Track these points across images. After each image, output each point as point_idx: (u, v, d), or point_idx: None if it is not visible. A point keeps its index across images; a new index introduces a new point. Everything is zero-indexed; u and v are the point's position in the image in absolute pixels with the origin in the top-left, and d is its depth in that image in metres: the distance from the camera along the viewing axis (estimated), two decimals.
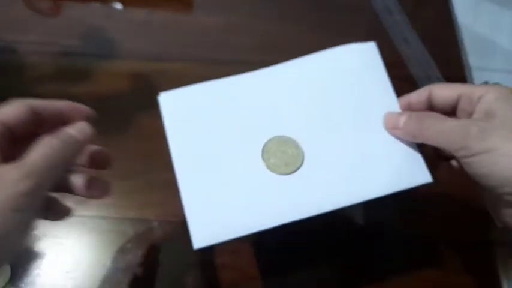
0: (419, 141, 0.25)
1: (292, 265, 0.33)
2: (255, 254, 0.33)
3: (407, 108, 0.26)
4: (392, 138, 0.26)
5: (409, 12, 0.50)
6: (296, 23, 0.48)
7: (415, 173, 0.25)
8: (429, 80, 0.44)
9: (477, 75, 0.47)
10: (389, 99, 0.27)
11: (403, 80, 0.44)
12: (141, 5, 0.47)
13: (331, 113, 0.27)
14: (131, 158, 0.37)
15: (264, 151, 0.25)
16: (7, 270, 0.31)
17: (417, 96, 0.26)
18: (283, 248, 0.34)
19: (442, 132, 0.23)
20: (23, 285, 0.31)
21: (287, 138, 0.26)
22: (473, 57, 0.49)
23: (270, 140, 0.26)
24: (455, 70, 0.46)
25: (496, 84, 0.25)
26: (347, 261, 0.34)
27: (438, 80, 0.44)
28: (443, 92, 0.25)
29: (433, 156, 0.27)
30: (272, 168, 0.25)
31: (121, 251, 0.33)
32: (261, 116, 0.26)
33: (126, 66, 0.42)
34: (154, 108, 0.40)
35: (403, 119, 0.25)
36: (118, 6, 0.47)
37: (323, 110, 0.27)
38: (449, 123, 0.23)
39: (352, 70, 0.28)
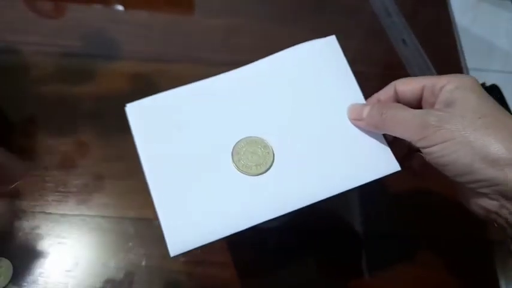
0: (382, 131, 0.25)
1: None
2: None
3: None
4: (358, 131, 0.26)
5: (407, 13, 0.50)
6: (296, 24, 0.48)
7: (383, 163, 0.25)
8: None
9: (475, 76, 0.47)
10: (354, 92, 0.27)
11: None
12: (142, 7, 0.47)
13: (297, 110, 0.27)
14: (131, 158, 0.37)
15: (233, 153, 0.25)
16: (9, 269, 0.32)
17: (384, 93, 0.26)
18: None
19: (402, 122, 0.23)
20: (25, 284, 0.31)
21: (256, 138, 0.26)
22: (471, 59, 0.49)
23: (239, 142, 0.26)
24: (453, 71, 0.46)
25: (463, 74, 0.25)
26: (340, 260, 0.34)
27: None
28: (408, 85, 0.25)
29: (406, 147, 0.27)
30: (243, 169, 0.25)
31: (122, 250, 0.33)
32: (229, 117, 0.27)
33: (127, 67, 0.43)
34: None
35: (366, 110, 0.25)
36: (119, 7, 0.48)
37: (290, 107, 0.27)
38: (407, 113, 0.23)
39: (315, 66, 0.28)
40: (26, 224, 0.34)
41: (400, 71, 0.45)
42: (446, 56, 0.47)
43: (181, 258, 0.33)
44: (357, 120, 0.26)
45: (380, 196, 0.38)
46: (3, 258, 0.32)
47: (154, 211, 0.35)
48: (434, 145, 0.22)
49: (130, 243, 0.33)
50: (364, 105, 0.26)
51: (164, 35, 0.45)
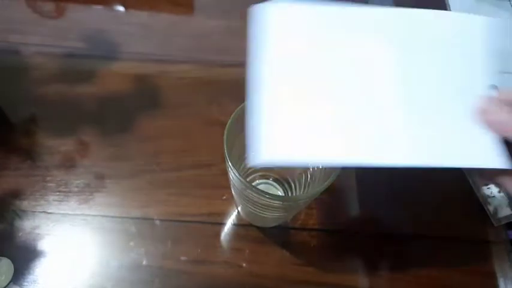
0: (503, 135, 0.22)
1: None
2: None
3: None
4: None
5: None
6: None
7: (495, 155, 0.23)
8: None
9: None
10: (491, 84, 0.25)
11: None
12: (142, 8, 0.48)
13: (436, 74, 0.25)
14: (133, 158, 0.38)
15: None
16: (10, 269, 0.32)
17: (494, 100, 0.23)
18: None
19: None
20: (25, 283, 0.32)
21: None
22: None
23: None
24: None
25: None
26: (340, 260, 0.35)
27: None
28: None
29: None
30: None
31: (123, 249, 0.33)
32: (366, 57, 0.24)
33: (128, 67, 0.43)
34: (155, 109, 0.41)
35: (494, 107, 0.23)
36: (120, 8, 0.48)
37: (431, 67, 0.25)
38: None
39: (472, 40, 0.26)
40: (27, 224, 0.34)
41: None
42: None
43: (181, 257, 0.33)
44: (481, 113, 0.23)
45: (385, 194, 0.38)
46: (5, 258, 0.32)
47: (156, 210, 0.36)
48: None
49: (131, 243, 0.33)
50: (492, 100, 0.23)
51: (164, 36, 0.46)
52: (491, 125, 0.23)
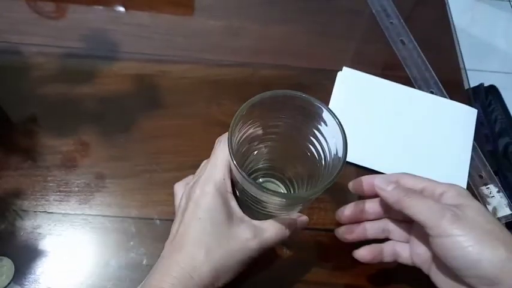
0: (399, 208, 0.28)
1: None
2: None
3: (373, 190, 0.30)
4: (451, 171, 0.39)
5: (406, 14, 0.50)
6: (295, 26, 0.49)
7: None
8: (425, 82, 0.45)
9: (473, 77, 0.48)
10: (464, 160, 0.39)
11: (400, 81, 0.44)
12: (143, 8, 0.48)
13: (419, 137, 0.41)
14: (133, 158, 0.38)
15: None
16: (11, 268, 0.32)
17: (384, 180, 0.29)
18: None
19: (425, 208, 0.26)
20: (26, 283, 0.32)
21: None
22: (469, 59, 0.50)
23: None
24: (451, 72, 0.47)
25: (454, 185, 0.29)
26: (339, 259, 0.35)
27: (434, 82, 0.45)
28: (410, 181, 0.29)
29: None
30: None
31: (123, 249, 0.33)
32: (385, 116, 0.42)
33: (128, 67, 0.43)
34: (156, 109, 0.41)
35: (391, 186, 0.29)
36: (120, 8, 0.48)
37: (416, 131, 0.41)
38: (429, 202, 0.26)
39: (447, 119, 0.42)
40: (27, 224, 0.34)
41: (399, 72, 0.46)
42: (444, 57, 0.48)
43: None
44: (380, 189, 0.29)
45: None
46: (5, 258, 0.32)
47: (155, 210, 0.36)
48: (447, 236, 0.25)
49: (131, 243, 0.34)
50: (391, 181, 0.29)
51: (165, 36, 0.46)
52: (389, 198, 0.28)
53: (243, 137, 0.28)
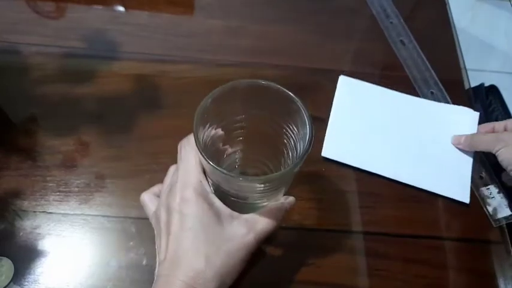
0: (473, 149, 0.39)
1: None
2: None
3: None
4: (457, 166, 0.40)
5: (405, 14, 0.50)
6: (295, 26, 0.49)
7: (460, 190, 0.38)
8: (425, 82, 0.45)
9: (473, 77, 0.48)
10: (466, 163, 0.40)
11: (399, 81, 0.44)
12: (142, 8, 0.48)
13: (424, 140, 0.41)
14: (133, 158, 0.38)
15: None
16: (10, 269, 0.32)
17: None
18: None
19: (483, 141, 0.38)
20: (26, 283, 0.32)
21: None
22: (469, 59, 0.49)
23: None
24: (451, 72, 0.47)
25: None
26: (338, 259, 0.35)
27: (434, 82, 0.45)
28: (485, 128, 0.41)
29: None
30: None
31: (123, 249, 0.33)
32: (384, 122, 0.42)
33: (128, 67, 0.43)
34: (156, 109, 0.41)
35: (463, 138, 0.40)
36: (120, 8, 0.48)
37: (420, 135, 0.42)
38: (487, 135, 0.39)
39: (451, 125, 0.42)
40: (27, 224, 0.34)
41: (399, 72, 0.46)
42: (444, 57, 0.48)
43: None
44: (458, 144, 0.40)
45: (382, 197, 0.38)
46: (5, 258, 0.32)
47: None
48: (500, 148, 0.36)
49: (131, 243, 0.34)
50: (460, 136, 0.40)
51: (164, 36, 0.46)
52: (465, 146, 0.40)
53: (210, 135, 0.27)
